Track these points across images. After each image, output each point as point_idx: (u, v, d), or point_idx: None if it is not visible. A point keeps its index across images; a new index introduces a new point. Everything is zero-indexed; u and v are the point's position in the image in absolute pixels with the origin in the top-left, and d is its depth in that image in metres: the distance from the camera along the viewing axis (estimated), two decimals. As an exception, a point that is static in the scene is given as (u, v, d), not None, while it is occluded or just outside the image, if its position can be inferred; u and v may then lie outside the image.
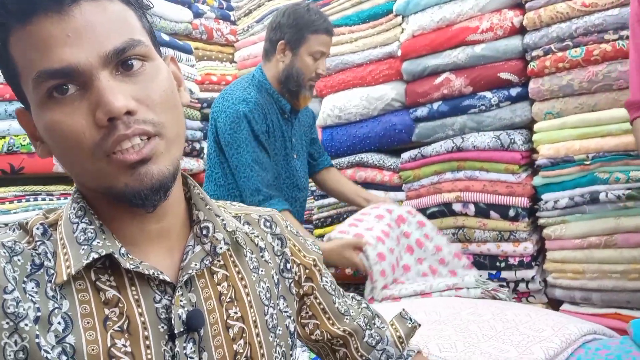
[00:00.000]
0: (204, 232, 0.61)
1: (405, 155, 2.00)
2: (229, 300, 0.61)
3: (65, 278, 0.51)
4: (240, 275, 0.63)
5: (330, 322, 0.74)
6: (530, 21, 1.73)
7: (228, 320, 0.60)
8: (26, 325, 0.48)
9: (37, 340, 0.48)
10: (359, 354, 0.75)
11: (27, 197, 1.92)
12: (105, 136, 0.50)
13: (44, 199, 1.95)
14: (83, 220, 0.56)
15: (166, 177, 0.53)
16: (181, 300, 0.56)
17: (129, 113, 0.51)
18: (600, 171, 1.60)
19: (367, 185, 2.10)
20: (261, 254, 0.68)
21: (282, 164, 1.72)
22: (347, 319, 0.75)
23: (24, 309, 0.49)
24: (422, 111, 2.00)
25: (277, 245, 0.70)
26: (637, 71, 1.09)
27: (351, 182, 2.01)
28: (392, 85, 2.07)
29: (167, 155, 0.54)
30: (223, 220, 0.62)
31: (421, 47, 1.95)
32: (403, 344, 0.80)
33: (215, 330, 0.58)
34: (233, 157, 1.62)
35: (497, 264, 1.80)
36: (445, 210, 1.88)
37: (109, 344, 0.52)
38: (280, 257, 0.70)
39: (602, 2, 1.58)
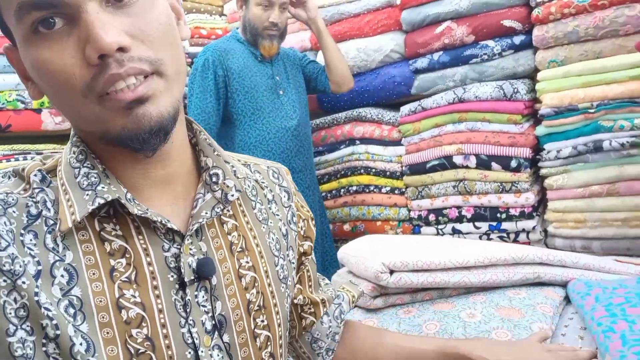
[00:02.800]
0: (214, 179, 0.58)
1: (405, 109, 1.96)
2: (240, 250, 0.59)
3: (70, 225, 0.49)
4: (249, 226, 0.62)
5: (311, 289, 0.74)
6: (536, -36, 1.67)
7: (240, 270, 0.58)
8: (24, 282, 0.46)
9: (36, 298, 0.46)
10: (326, 321, 0.76)
11: (16, 156, 1.86)
12: (96, 75, 0.46)
13: (33, 158, 1.89)
14: (85, 165, 0.52)
15: (165, 119, 0.49)
16: (191, 249, 0.54)
17: (121, 50, 0.46)
18: (604, 119, 1.59)
19: (366, 140, 2.06)
20: (269, 206, 0.66)
21: (264, 99, 1.81)
22: (320, 289, 0.77)
23: (20, 266, 0.46)
24: (422, 62, 1.95)
25: (285, 197, 0.69)
26: None
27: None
28: (390, 35, 2.01)
29: (166, 94, 0.50)
30: (233, 166, 0.60)
31: (421, -5, 1.89)
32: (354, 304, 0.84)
33: (227, 279, 0.57)
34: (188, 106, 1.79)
35: (498, 215, 1.80)
36: (446, 163, 1.86)
37: (117, 295, 0.49)
38: (288, 209, 0.69)
39: (612, -58, 1.53)
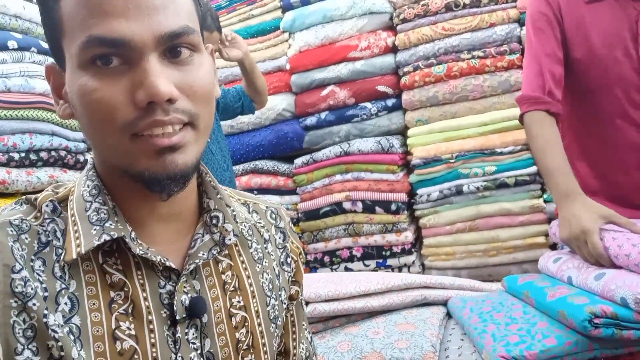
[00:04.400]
0: (214, 221, 0.59)
1: (298, 161, 2.16)
2: (233, 289, 0.60)
3: (74, 257, 0.51)
4: (244, 265, 0.63)
5: (293, 337, 0.73)
6: (401, 42, 2.02)
7: (231, 309, 0.59)
8: (34, 304, 0.48)
9: (45, 320, 0.48)
10: None
11: None
12: (139, 117, 0.49)
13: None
14: (97, 200, 0.54)
15: (189, 168, 0.52)
16: (185, 287, 0.55)
17: (169, 100, 0.49)
18: (462, 167, 1.92)
19: (263, 190, 2.22)
20: (265, 246, 0.67)
21: None
22: (301, 344, 0.74)
23: (32, 288, 0.49)
24: (311, 120, 2.19)
25: (280, 238, 0.70)
26: (528, 69, 1.15)
27: None
28: (282, 96, 2.23)
29: (195, 145, 0.53)
30: (233, 210, 0.61)
31: (308, 62, 2.15)
32: None
33: (218, 317, 0.58)
34: None
35: (383, 252, 2.04)
36: (336, 209, 2.08)
37: (113, 326, 0.51)
38: (282, 250, 0.69)
39: (458, 27, 1.92)
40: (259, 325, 0.62)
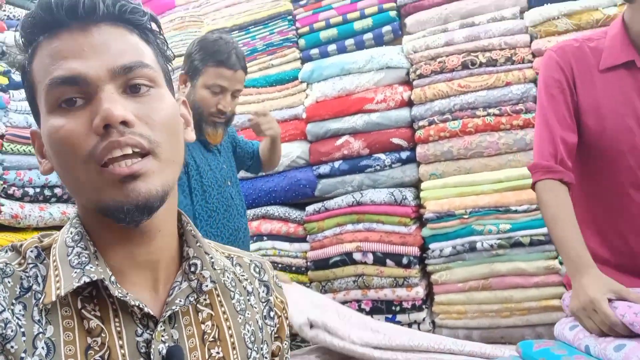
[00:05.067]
0: (192, 268, 0.60)
1: (310, 208, 2.15)
2: (212, 339, 0.60)
3: (53, 299, 0.52)
4: (225, 316, 0.63)
5: None
6: (417, 96, 2.04)
7: None
8: (12, 347, 0.49)
9: None
10: None
11: None
12: (98, 142, 0.52)
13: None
14: (79, 245, 0.56)
15: (153, 197, 0.53)
16: (163, 336, 0.56)
17: (124, 123, 0.52)
18: (476, 224, 1.89)
19: (273, 236, 2.20)
20: (248, 298, 0.67)
21: (217, 197, 1.58)
22: None
23: (12, 330, 0.49)
24: (324, 169, 2.19)
25: (263, 292, 0.70)
26: (540, 137, 1.14)
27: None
28: (297, 144, 2.25)
29: (158, 175, 0.54)
30: (212, 258, 0.62)
31: (324, 112, 2.17)
32: None
33: None
34: None
35: (393, 307, 1.99)
36: (347, 260, 2.05)
37: None
38: (265, 304, 0.69)
39: (474, 85, 1.94)
40: None
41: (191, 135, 0.64)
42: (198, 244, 0.63)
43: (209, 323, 0.61)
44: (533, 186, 1.14)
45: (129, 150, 0.52)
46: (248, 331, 0.64)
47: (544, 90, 1.15)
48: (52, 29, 0.54)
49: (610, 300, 0.93)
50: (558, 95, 1.12)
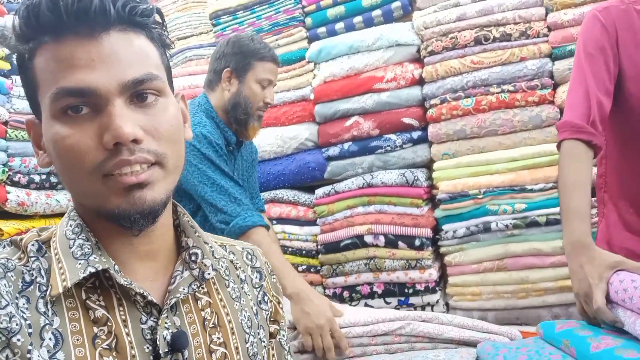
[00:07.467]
0: (193, 257, 0.63)
1: (320, 191, 2.12)
2: (212, 325, 0.63)
3: (60, 290, 0.53)
4: (222, 303, 0.66)
5: None
6: (428, 74, 1.98)
7: (211, 345, 0.62)
8: (18, 340, 0.49)
9: (28, 356, 0.49)
10: None
11: None
12: (107, 159, 0.53)
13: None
14: (80, 237, 0.57)
15: (158, 204, 0.56)
16: (166, 323, 0.58)
17: (135, 141, 0.53)
18: (490, 204, 1.85)
19: (283, 220, 2.16)
20: (242, 285, 0.71)
21: None
22: None
23: (17, 324, 0.50)
24: (333, 151, 2.15)
25: (256, 278, 0.74)
26: (573, 93, 1.08)
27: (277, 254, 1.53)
28: (305, 126, 2.20)
29: (163, 183, 0.57)
30: (211, 247, 0.65)
31: (332, 92, 2.12)
32: None
33: (199, 353, 0.60)
34: (200, 174, 1.47)
35: (406, 290, 1.95)
36: (357, 242, 2.01)
37: None
38: (258, 290, 0.73)
39: (487, 60, 1.88)
40: None
41: (189, 133, 0.65)
42: (197, 234, 0.66)
43: (208, 310, 0.64)
44: (558, 145, 1.08)
45: (138, 168, 0.54)
46: (245, 317, 0.67)
47: (582, 48, 1.08)
48: (58, 31, 0.53)
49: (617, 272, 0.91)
50: (598, 57, 1.05)
